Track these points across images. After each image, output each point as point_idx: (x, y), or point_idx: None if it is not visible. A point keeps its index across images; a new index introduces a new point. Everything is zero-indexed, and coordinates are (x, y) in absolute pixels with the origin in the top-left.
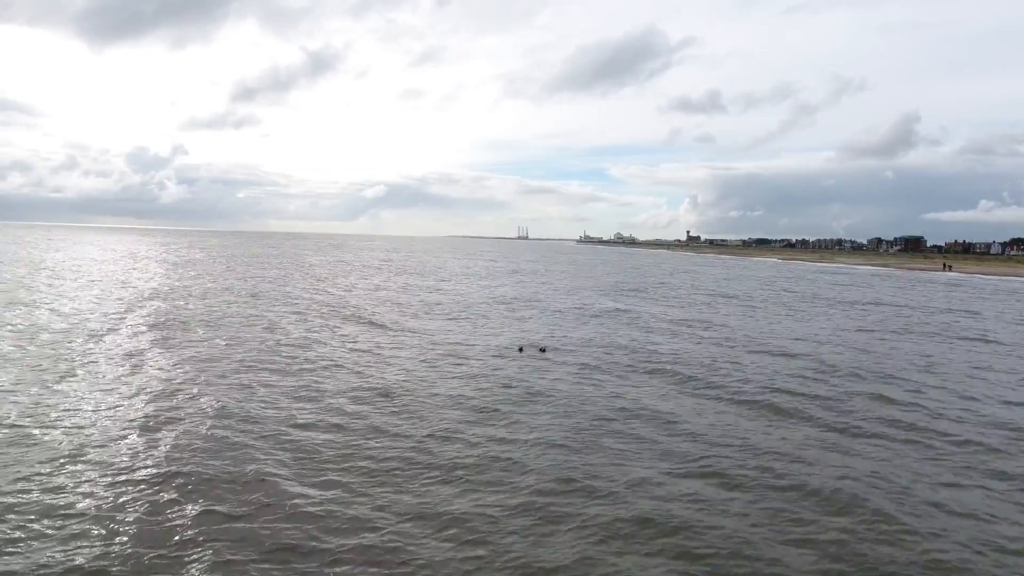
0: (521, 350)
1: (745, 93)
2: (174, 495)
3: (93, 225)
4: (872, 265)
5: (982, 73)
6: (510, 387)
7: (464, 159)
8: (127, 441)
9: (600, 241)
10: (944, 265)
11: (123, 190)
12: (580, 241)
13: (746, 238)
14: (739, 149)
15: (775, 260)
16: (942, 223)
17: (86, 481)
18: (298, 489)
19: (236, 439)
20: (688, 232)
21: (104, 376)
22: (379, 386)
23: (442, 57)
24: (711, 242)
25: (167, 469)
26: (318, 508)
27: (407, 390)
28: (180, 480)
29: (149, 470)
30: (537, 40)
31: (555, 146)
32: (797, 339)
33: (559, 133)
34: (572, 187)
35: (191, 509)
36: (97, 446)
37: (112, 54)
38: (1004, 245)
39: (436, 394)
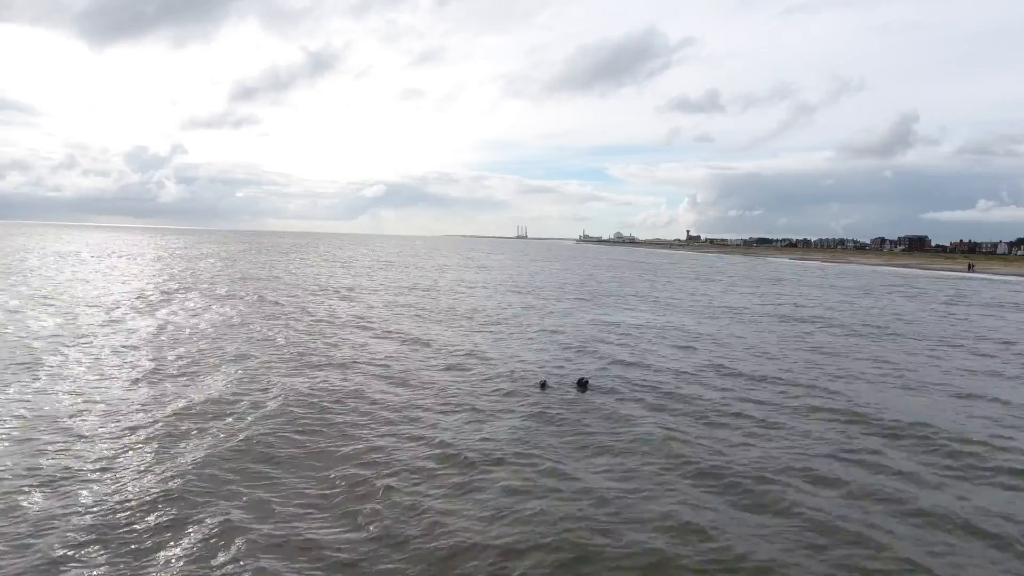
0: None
1: (744, 93)
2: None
3: (93, 224)
4: (892, 266)
5: (980, 73)
6: None
7: (464, 158)
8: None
9: (599, 240)
10: (969, 265)
11: (122, 189)
12: (579, 240)
13: (746, 237)
14: (738, 149)
15: (788, 260)
16: (941, 222)
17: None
18: None
19: None
20: (688, 231)
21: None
22: None
23: (442, 57)
24: (711, 241)
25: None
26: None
27: None
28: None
29: None
30: (537, 40)
31: (554, 146)
32: None
33: (558, 133)
34: (571, 186)
35: None
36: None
37: (112, 54)
38: (1010, 245)
39: None
